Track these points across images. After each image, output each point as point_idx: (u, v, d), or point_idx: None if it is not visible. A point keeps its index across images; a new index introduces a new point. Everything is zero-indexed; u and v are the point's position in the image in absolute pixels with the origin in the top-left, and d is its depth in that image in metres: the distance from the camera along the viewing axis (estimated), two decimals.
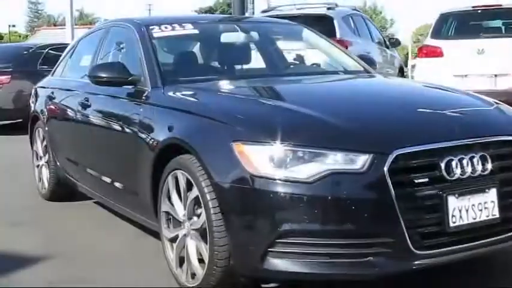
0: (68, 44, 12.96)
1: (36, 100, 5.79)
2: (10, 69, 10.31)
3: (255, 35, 4.39)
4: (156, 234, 3.70)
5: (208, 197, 2.87)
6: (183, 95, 3.49)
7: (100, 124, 4.16)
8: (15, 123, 10.94)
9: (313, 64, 4.32)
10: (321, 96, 3.45)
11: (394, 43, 10.76)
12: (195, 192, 2.98)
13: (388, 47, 10.75)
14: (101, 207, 5.09)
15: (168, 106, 3.41)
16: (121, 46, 4.45)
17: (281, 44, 4.50)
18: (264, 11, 9.12)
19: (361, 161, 2.64)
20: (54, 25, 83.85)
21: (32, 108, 5.78)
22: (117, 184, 3.95)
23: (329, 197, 2.61)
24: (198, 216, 3.02)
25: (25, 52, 10.88)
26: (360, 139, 2.74)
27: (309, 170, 2.65)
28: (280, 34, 4.64)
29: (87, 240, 4.33)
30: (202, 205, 2.92)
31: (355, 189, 2.63)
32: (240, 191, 2.75)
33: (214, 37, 4.27)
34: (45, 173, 5.49)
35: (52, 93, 5.20)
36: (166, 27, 4.13)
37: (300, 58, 4.44)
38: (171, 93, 3.54)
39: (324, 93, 3.55)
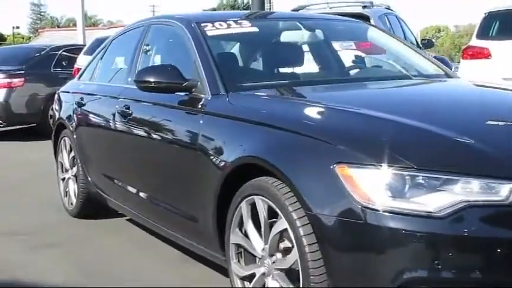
0: (81, 46, 12.52)
1: (60, 106, 5.25)
2: (23, 72, 9.78)
3: (319, 33, 3.83)
4: (204, 259, 3.31)
5: (302, 231, 2.32)
6: (255, 104, 2.95)
7: (145, 136, 3.62)
8: (28, 128, 10.42)
9: (388, 67, 3.76)
10: (422, 105, 2.88)
11: (427, 44, 10.20)
12: (282, 224, 2.43)
13: (420, 48, 10.19)
14: (134, 225, 4.56)
15: (237, 117, 2.86)
16: (166, 47, 3.91)
17: (345, 44, 3.95)
18: (294, 10, 8.57)
19: (506, 190, 2.09)
20: (58, 27, 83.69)
21: (57, 115, 5.23)
22: (167, 206, 3.41)
23: (468, 237, 2.06)
24: (285, 252, 2.48)
25: (38, 54, 10.35)
26: (499, 162, 2.19)
27: (438, 201, 2.10)
28: (344, 33, 4.09)
29: (128, 265, 3.79)
30: (293, 241, 2.37)
31: (499, 226, 2.08)
32: (346, 226, 2.21)
33: (276, 36, 3.71)
34: (73, 187, 4.95)
35: (81, 99, 4.66)
36: (220, 25, 3.59)
37: (367, 60, 3.88)
38: (238, 102, 3.00)
39: (423, 102, 2.98)
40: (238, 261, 2.76)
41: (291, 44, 3.76)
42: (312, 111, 2.70)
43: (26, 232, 4.59)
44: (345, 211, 2.21)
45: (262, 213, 2.56)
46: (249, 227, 2.66)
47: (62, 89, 5.55)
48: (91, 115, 4.46)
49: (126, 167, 3.93)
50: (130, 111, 3.76)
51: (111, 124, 4.05)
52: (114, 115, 3.97)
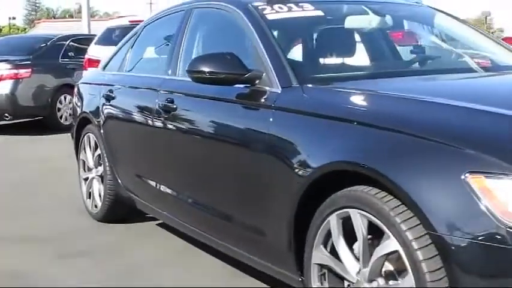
0: (89, 35, 12.01)
1: (82, 99, 4.81)
2: (30, 62, 9.30)
3: (388, 19, 3.39)
4: (255, 272, 2.98)
5: (420, 255, 1.90)
6: (341, 98, 2.51)
7: (194, 134, 3.19)
8: (33, 121, 9.95)
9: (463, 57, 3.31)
10: None
11: None
12: (390, 244, 2.01)
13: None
14: (167, 231, 4.14)
15: (321, 114, 2.42)
16: (215, 33, 3.48)
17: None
18: None
19: None
20: (54, 18, 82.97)
21: (79, 109, 4.78)
22: (222, 215, 2.98)
23: None
24: (391, 278, 2.06)
25: (45, 44, 9.87)
26: None
27: None
28: (410, 18, 3.65)
29: (170, 277, 3.37)
30: (406, 265, 1.95)
31: None
32: (485, 251, 1.78)
33: (342, 21, 3.26)
34: (98, 188, 4.51)
35: (110, 91, 4.20)
36: (280, 8, 3.15)
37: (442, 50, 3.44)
38: (319, 96, 2.56)
39: None
40: (321, 284, 2.34)
41: (359, 30, 3.31)
42: (421, 108, 2.25)
43: (48, 238, 4.16)
44: (483, 232, 1.79)
45: (361, 230, 2.13)
46: (340, 245, 2.23)
47: (83, 80, 5.11)
48: (123, 109, 4.01)
49: (168, 168, 3.49)
50: (174, 106, 3.32)
51: (149, 119, 3.61)
52: (153, 110, 3.53)
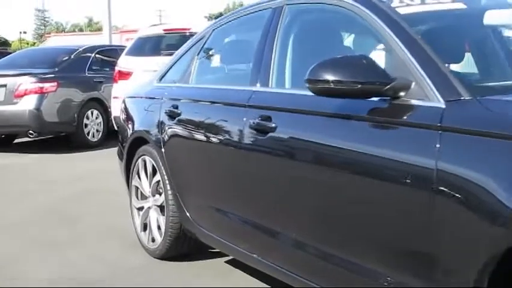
0: (115, 46, 11.37)
1: (133, 116, 4.16)
2: (55, 75, 8.66)
3: None
4: None
5: None
6: None
7: (305, 160, 2.52)
8: (57, 137, 9.31)
9: None
10: None
11: None
12: None
13: None
14: (239, 270, 3.47)
15: None
16: (323, 33, 2.82)
17: None
18: None
19: None
20: (63, 32, 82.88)
21: (130, 128, 4.13)
22: (350, 266, 2.30)
23: None
24: None
25: (70, 55, 9.24)
26: None
27: None
28: None
29: None
30: None
31: None
32: None
33: (482, 17, 2.59)
34: (156, 220, 3.85)
35: (175, 107, 3.55)
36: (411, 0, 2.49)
37: None
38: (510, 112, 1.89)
39: None
40: None
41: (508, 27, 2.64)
42: None
43: (94, 280, 3.51)
44: None
45: None
46: None
47: (131, 93, 4.46)
48: (194, 128, 3.36)
49: (263, 201, 2.82)
50: (272, 125, 2.65)
51: (233, 142, 2.95)
52: (240, 130, 2.87)
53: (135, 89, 4.44)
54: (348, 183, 2.28)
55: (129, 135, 4.13)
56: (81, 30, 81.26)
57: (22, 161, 7.93)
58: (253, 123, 2.77)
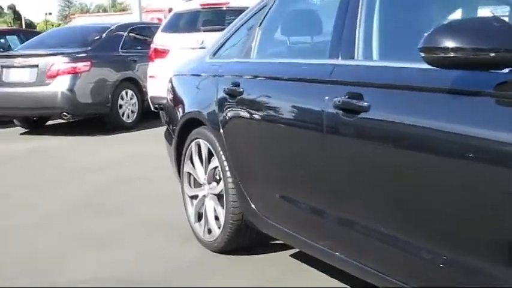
0: (149, 24, 10.98)
1: (183, 95, 3.81)
2: (89, 54, 8.32)
3: None
4: None
5: None
6: None
7: (409, 146, 2.12)
8: (90, 119, 9.00)
9: None
10: None
11: None
12: None
13: None
14: (310, 266, 3.11)
15: None
16: None
17: None
18: None
19: None
20: (87, 12, 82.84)
21: (180, 109, 3.77)
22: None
23: None
24: None
25: (103, 34, 8.89)
26: None
27: None
28: None
29: None
30: None
31: None
32: None
33: None
34: (213, 209, 3.50)
35: (235, 84, 3.17)
36: None
37: None
38: None
39: None
40: None
41: None
42: None
43: (147, 281, 3.17)
44: None
45: None
46: None
47: (179, 71, 4.09)
48: (261, 108, 2.98)
49: (347, 192, 2.44)
50: (363, 104, 2.26)
51: (311, 123, 2.57)
52: (320, 110, 2.48)
53: (184, 67, 4.07)
54: (467, 177, 1.88)
55: (179, 117, 3.77)
56: (105, 10, 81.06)
57: (54, 144, 7.64)
58: (339, 101, 2.37)
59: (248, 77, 3.14)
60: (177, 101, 3.91)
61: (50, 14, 78.08)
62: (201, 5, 7.79)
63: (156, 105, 7.68)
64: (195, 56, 4.08)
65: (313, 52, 2.95)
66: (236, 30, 3.53)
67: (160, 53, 7.67)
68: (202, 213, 3.61)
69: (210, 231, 3.55)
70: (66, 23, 59.95)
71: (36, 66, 8.04)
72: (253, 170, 3.11)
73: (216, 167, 3.41)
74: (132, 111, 8.81)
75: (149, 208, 4.52)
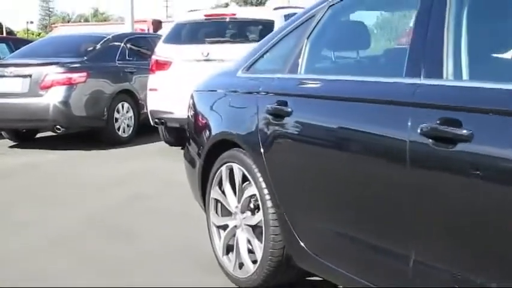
0: (147, 35, 10.58)
1: (214, 114, 3.44)
2: (85, 65, 7.90)
3: None
4: None
5: None
6: None
7: None
8: (83, 132, 8.56)
9: None
10: None
11: None
12: None
13: None
14: None
15: None
16: None
17: None
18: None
19: None
20: (68, 22, 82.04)
21: (209, 128, 3.40)
22: None
23: None
24: None
25: (98, 43, 8.47)
26: None
27: None
28: None
29: None
30: None
31: None
32: None
33: None
34: (246, 241, 3.13)
35: (282, 103, 2.80)
36: None
37: None
38: None
39: None
40: None
41: None
42: None
43: None
44: None
45: None
46: None
47: (202, 86, 3.72)
48: (318, 132, 2.61)
49: (432, 234, 2.08)
50: (464, 132, 1.91)
51: (389, 151, 2.21)
52: (404, 136, 2.12)
53: (208, 82, 3.70)
54: None
55: (206, 138, 3.40)
56: (86, 20, 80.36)
57: (49, 159, 7.19)
58: (428, 128, 2.02)
59: (299, 95, 2.77)
60: (202, 119, 3.54)
61: (32, 22, 77.04)
62: (205, 15, 7.43)
63: (157, 120, 7.28)
64: (220, 71, 3.71)
65: (378, 69, 2.60)
66: (276, 43, 3.17)
67: (162, 65, 7.29)
68: (231, 245, 3.23)
69: (241, 265, 3.17)
70: (47, 32, 59.13)
71: (29, 76, 7.60)
72: (303, 201, 2.73)
73: (252, 195, 3.03)
74: (128, 125, 8.40)
75: (167, 231, 4.16)
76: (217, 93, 3.49)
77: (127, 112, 8.36)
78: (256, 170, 2.96)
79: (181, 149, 7.51)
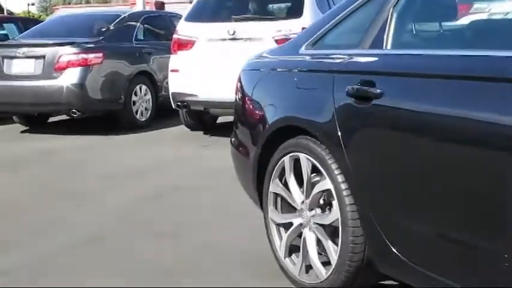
0: (165, 13, 10.07)
1: (273, 96, 3.03)
2: (101, 45, 7.47)
3: None
4: None
5: None
6: None
7: None
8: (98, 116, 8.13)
9: None
10: None
11: None
12: None
13: None
14: None
15: None
16: None
17: None
18: None
19: None
20: (69, 4, 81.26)
21: (268, 113, 2.99)
22: None
23: None
24: None
25: (114, 23, 8.02)
26: None
27: None
28: None
29: None
30: None
31: None
32: None
33: None
34: (314, 242, 2.73)
35: (369, 84, 2.38)
36: None
37: None
38: None
39: None
40: None
41: None
42: None
43: None
44: None
45: None
46: None
47: (253, 65, 3.31)
48: (424, 118, 2.17)
49: None
50: None
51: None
52: None
53: (261, 59, 3.29)
54: None
55: (265, 124, 2.98)
56: (88, 2, 79.55)
57: (66, 146, 6.78)
58: None
59: (391, 73, 2.35)
60: (255, 103, 3.13)
61: (33, 4, 76.31)
62: None
63: (179, 103, 6.86)
64: (277, 47, 3.29)
65: (490, 40, 2.17)
66: (349, 15, 2.74)
67: (185, 45, 6.85)
68: (303, 248, 2.83)
69: (308, 269, 2.78)
70: (47, 14, 58.44)
71: (43, 57, 7.17)
72: (397, 199, 2.32)
73: (326, 190, 2.63)
74: (146, 109, 7.98)
75: (211, 230, 3.75)
76: (276, 72, 3.07)
77: (145, 95, 7.95)
78: (330, 162, 2.55)
79: (204, 133, 7.13)
